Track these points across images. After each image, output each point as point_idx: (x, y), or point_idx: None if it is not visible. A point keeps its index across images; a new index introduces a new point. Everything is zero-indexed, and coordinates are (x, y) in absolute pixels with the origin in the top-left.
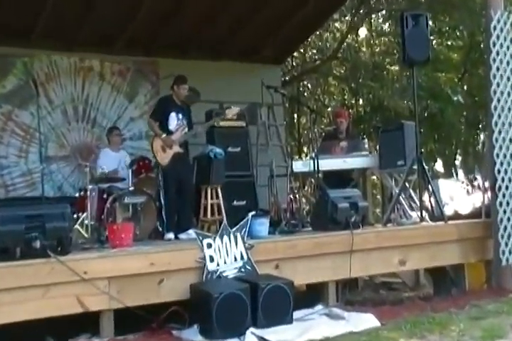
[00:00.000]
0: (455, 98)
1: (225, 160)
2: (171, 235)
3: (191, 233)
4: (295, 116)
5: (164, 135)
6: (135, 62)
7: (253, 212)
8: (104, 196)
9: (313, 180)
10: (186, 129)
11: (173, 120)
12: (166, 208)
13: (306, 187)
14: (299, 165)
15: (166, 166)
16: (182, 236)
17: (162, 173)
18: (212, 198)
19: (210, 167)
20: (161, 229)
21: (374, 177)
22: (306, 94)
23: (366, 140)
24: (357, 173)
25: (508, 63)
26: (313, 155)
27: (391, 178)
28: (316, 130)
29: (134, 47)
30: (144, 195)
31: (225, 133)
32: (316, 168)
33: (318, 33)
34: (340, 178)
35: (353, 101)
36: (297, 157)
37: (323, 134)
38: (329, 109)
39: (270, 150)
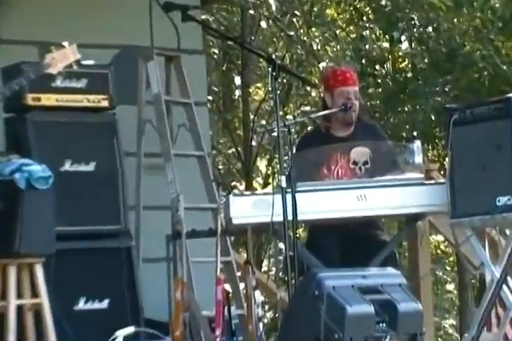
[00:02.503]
0: None
1: (57, 194)
2: None
3: None
4: (237, 81)
5: None
6: None
7: (130, 329)
8: None
9: (283, 245)
10: None
11: None
12: None
13: (264, 264)
14: (246, 208)
15: None
16: None
17: None
18: (21, 294)
19: (15, 212)
20: None
21: (439, 236)
22: (265, 27)
23: (418, 142)
24: (393, 227)
25: None
26: (283, 180)
27: (481, 240)
28: (290, 117)
29: None
30: None
31: (56, 125)
32: (290, 216)
33: None
34: (353, 241)
35: (385, 45)
36: (241, 186)
37: (308, 130)
38: (322, 66)
39: (172, 169)
